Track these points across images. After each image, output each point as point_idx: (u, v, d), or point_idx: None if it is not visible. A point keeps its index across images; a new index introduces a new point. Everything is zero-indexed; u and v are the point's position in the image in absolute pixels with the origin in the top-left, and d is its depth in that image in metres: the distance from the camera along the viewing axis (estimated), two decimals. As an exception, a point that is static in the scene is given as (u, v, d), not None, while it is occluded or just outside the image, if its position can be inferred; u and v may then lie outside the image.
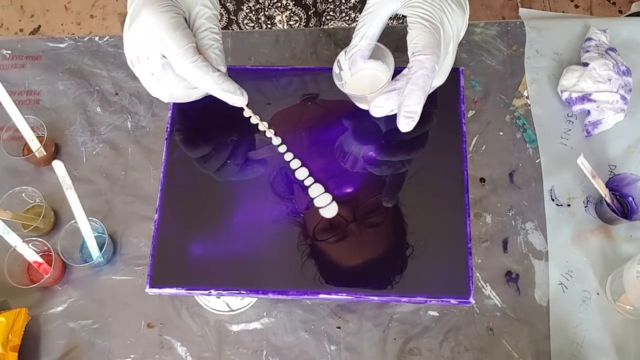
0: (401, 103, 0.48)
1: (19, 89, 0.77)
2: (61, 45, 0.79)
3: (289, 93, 0.60)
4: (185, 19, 0.50)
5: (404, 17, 0.54)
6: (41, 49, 0.79)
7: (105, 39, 0.79)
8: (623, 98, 0.70)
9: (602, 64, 0.70)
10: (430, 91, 0.52)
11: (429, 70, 0.47)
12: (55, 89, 0.77)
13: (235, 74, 0.60)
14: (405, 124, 0.48)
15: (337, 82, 0.52)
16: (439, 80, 0.53)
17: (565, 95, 0.72)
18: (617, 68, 0.71)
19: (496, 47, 0.76)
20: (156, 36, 0.48)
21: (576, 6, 1.76)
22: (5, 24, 1.81)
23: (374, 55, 0.53)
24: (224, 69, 0.51)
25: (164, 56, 0.49)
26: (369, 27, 0.51)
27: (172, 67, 0.49)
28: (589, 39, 0.74)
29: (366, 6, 0.52)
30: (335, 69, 0.53)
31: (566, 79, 0.72)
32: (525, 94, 0.74)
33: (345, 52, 0.53)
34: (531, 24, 0.77)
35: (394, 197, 0.55)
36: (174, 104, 0.60)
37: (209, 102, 0.59)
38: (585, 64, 0.71)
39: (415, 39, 0.48)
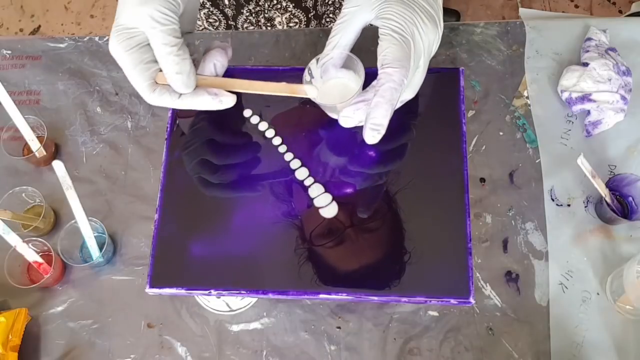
0: (367, 115, 0.47)
1: (19, 89, 0.77)
2: (61, 45, 0.79)
3: (289, 93, 0.60)
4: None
5: None
6: (41, 49, 0.79)
7: (105, 39, 0.79)
8: (623, 98, 0.70)
9: (602, 64, 0.70)
10: (401, 105, 0.52)
11: (396, 83, 0.46)
12: (55, 89, 0.77)
13: (236, 74, 0.60)
14: (371, 137, 0.48)
15: (309, 94, 0.51)
16: (409, 94, 0.52)
17: (565, 95, 0.72)
18: (617, 68, 0.71)
19: (496, 47, 0.76)
20: (125, 70, 0.48)
21: (576, 6, 1.76)
22: (5, 24, 1.81)
23: (346, 64, 0.53)
24: (186, 90, 0.49)
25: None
26: (341, 36, 0.51)
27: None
28: (589, 39, 0.74)
29: (340, 15, 0.52)
30: (306, 77, 0.52)
31: (566, 79, 0.72)
32: (525, 94, 0.74)
33: (317, 60, 0.52)
34: (531, 24, 0.77)
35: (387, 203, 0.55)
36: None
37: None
38: (585, 64, 0.71)
39: (384, 51, 0.47)
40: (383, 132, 0.48)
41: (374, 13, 0.50)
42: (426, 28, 0.49)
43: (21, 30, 1.80)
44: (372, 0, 0.50)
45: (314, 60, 0.52)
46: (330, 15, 0.82)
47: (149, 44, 0.47)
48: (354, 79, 0.53)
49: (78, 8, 1.81)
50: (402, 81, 0.47)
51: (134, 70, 0.47)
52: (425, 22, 0.49)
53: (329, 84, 0.54)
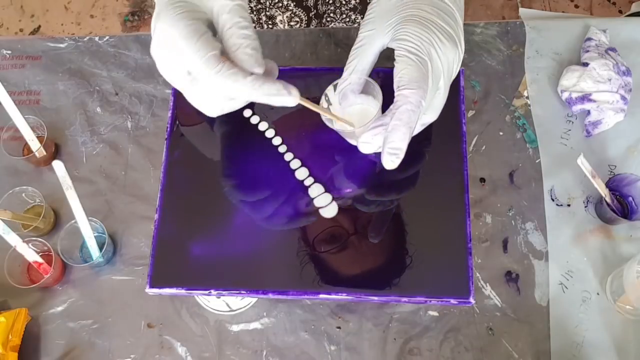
0: (385, 139, 0.45)
1: (19, 89, 0.77)
2: (61, 45, 0.79)
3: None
4: (211, 19, 0.45)
5: None
6: (41, 49, 0.79)
7: (105, 39, 0.79)
8: (623, 98, 0.70)
9: (602, 64, 0.70)
10: (421, 128, 0.51)
11: (413, 105, 0.44)
12: (55, 89, 0.77)
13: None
14: (390, 161, 0.45)
15: (324, 119, 0.50)
16: (431, 116, 0.50)
17: (565, 95, 0.72)
18: (617, 68, 0.71)
19: (496, 47, 0.76)
20: (175, 50, 0.43)
21: (576, 6, 1.76)
22: (5, 24, 1.81)
23: (364, 89, 0.52)
24: (259, 69, 0.44)
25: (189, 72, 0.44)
26: (359, 60, 0.50)
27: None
28: (589, 39, 0.74)
29: (357, 40, 0.50)
30: (323, 103, 0.51)
31: (566, 79, 0.72)
32: (525, 94, 0.74)
33: (334, 86, 0.51)
34: (531, 24, 0.77)
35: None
36: (174, 103, 0.60)
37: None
38: (585, 64, 0.71)
39: (400, 73, 0.46)
40: (402, 156, 0.45)
41: (389, 35, 0.48)
42: (444, 48, 0.47)
43: (21, 30, 1.80)
44: (388, 23, 0.48)
45: (330, 87, 0.51)
46: (331, 14, 0.82)
47: (206, 24, 0.44)
48: (372, 104, 0.52)
49: (78, 8, 1.81)
50: (419, 103, 0.45)
51: (200, 40, 0.42)
52: (444, 41, 0.47)
53: (349, 111, 0.52)
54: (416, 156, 0.52)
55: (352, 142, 0.53)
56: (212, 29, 0.46)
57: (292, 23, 0.83)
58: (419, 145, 0.55)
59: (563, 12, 1.74)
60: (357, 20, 0.83)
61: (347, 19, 0.83)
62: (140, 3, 1.79)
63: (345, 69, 0.51)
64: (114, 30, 1.77)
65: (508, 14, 1.74)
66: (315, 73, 0.61)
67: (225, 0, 0.44)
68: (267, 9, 0.81)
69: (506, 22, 0.78)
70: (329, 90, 0.51)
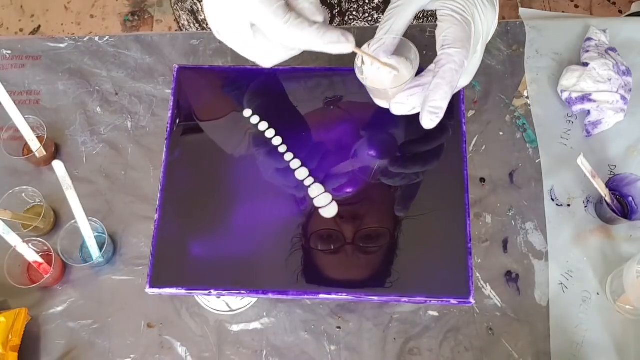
0: (426, 97, 0.45)
1: (19, 89, 0.77)
2: (61, 45, 0.79)
3: (289, 93, 0.60)
4: None
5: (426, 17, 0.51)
6: (41, 49, 0.79)
7: (105, 39, 0.79)
8: (623, 98, 0.70)
9: (602, 64, 0.70)
10: (456, 90, 0.50)
11: (457, 64, 0.44)
12: (55, 89, 0.77)
13: (235, 73, 0.61)
14: (429, 120, 0.45)
15: (358, 76, 0.50)
16: (465, 80, 0.50)
17: (565, 95, 0.72)
18: (617, 68, 0.71)
19: (496, 47, 0.76)
20: (239, 3, 0.43)
21: (576, 6, 1.76)
22: (5, 24, 1.81)
23: (398, 51, 0.51)
24: (320, 17, 0.44)
25: (253, 24, 0.44)
26: (394, 20, 0.49)
27: (264, 33, 0.44)
28: (589, 39, 0.74)
29: (393, 0, 0.50)
30: (357, 62, 0.50)
31: (566, 79, 0.72)
32: (525, 94, 0.74)
33: (369, 44, 0.51)
34: (531, 24, 0.77)
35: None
36: (174, 103, 0.60)
37: (209, 101, 0.60)
38: (585, 64, 0.72)
39: (445, 32, 0.45)
40: (441, 115, 0.45)
41: None
42: (486, 10, 0.47)
43: (21, 30, 1.80)
44: None
45: (365, 46, 0.51)
46: (354, 12, 0.82)
47: None
48: (406, 66, 0.51)
49: (78, 8, 1.81)
50: (463, 63, 0.45)
51: None
52: (485, 3, 0.47)
53: (381, 70, 0.51)
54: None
55: (382, 103, 0.52)
56: None
57: None
58: (419, 145, 0.55)
59: (563, 12, 1.74)
60: (380, 20, 0.82)
61: (370, 18, 0.83)
62: (140, 3, 1.79)
63: (379, 28, 0.50)
64: (114, 30, 1.77)
65: (508, 14, 1.74)
66: (315, 73, 0.61)
67: None
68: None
69: (506, 22, 0.78)
70: (364, 48, 0.50)
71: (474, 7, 0.47)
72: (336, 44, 0.44)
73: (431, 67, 0.47)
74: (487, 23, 0.48)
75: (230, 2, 0.43)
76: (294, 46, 0.45)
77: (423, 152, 0.56)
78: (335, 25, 0.82)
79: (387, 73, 0.51)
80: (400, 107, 0.48)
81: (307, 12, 0.44)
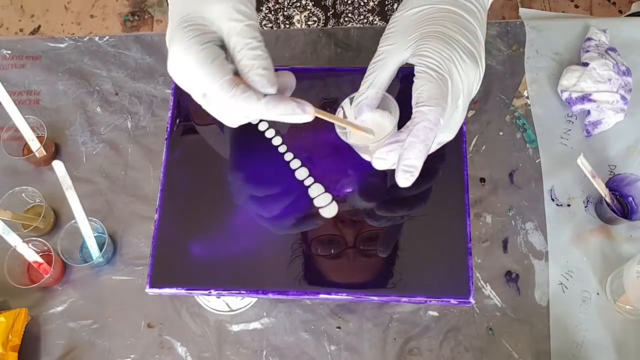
0: (400, 156, 0.44)
1: (19, 89, 0.77)
2: (61, 45, 0.79)
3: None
4: (222, 40, 0.45)
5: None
6: (41, 49, 0.79)
7: (105, 39, 0.79)
8: (623, 98, 0.70)
9: (602, 64, 0.70)
10: (438, 147, 0.50)
11: (431, 122, 0.43)
12: (55, 89, 0.77)
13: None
14: (404, 179, 0.44)
15: (338, 131, 0.49)
16: (448, 135, 0.49)
17: (565, 95, 0.72)
18: (617, 68, 0.71)
19: (496, 47, 0.76)
20: (191, 74, 0.44)
21: (576, 6, 1.76)
22: (5, 24, 1.81)
23: (381, 105, 0.51)
24: (272, 89, 0.44)
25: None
26: (377, 74, 0.49)
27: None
28: (589, 39, 0.74)
29: (376, 54, 0.50)
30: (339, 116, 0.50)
31: (566, 79, 0.72)
32: (525, 94, 0.74)
33: (351, 99, 0.50)
34: (531, 24, 0.77)
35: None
36: (174, 103, 0.60)
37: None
38: (585, 64, 0.72)
39: (420, 89, 0.44)
40: (416, 174, 0.44)
41: (410, 51, 0.47)
42: (465, 66, 0.46)
43: (21, 30, 1.80)
44: (409, 38, 0.48)
45: (347, 100, 0.50)
46: (349, 14, 0.82)
47: (219, 45, 0.44)
48: (388, 120, 0.51)
49: (78, 8, 1.81)
50: (437, 121, 0.44)
51: (213, 64, 0.43)
52: (465, 59, 0.46)
53: (364, 125, 0.51)
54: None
55: (366, 157, 0.52)
56: (225, 46, 0.46)
57: (309, 22, 0.82)
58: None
59: (563, 12, 1.74)
60: (375, 22, 0.82)
61: (365, 20, 0.83)
62: (140, 3, 1.79)
63: (362, 82, 0.50)
64: (114, 30, 1.77)
65: (508, 14, 1.74)
66: (315, 73, 0.61)
67: (234, 22, 0.44)
68: (285, 9, 0.80)
69: (506, 22, 0.78)
70: (345, 103, 0.50)
71: (452, 64, 0.45)
72: (291, 115, 0.44)
73: (408, 123, 0.45)
74: (467, 79, 0.47)
75: (184, 72, 0.44)
76: (246, 117, 0.45)
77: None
78: (330, 26, 0.82)
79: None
80: (381, 162, 0.47)
81: (257, 85, 0.44)
